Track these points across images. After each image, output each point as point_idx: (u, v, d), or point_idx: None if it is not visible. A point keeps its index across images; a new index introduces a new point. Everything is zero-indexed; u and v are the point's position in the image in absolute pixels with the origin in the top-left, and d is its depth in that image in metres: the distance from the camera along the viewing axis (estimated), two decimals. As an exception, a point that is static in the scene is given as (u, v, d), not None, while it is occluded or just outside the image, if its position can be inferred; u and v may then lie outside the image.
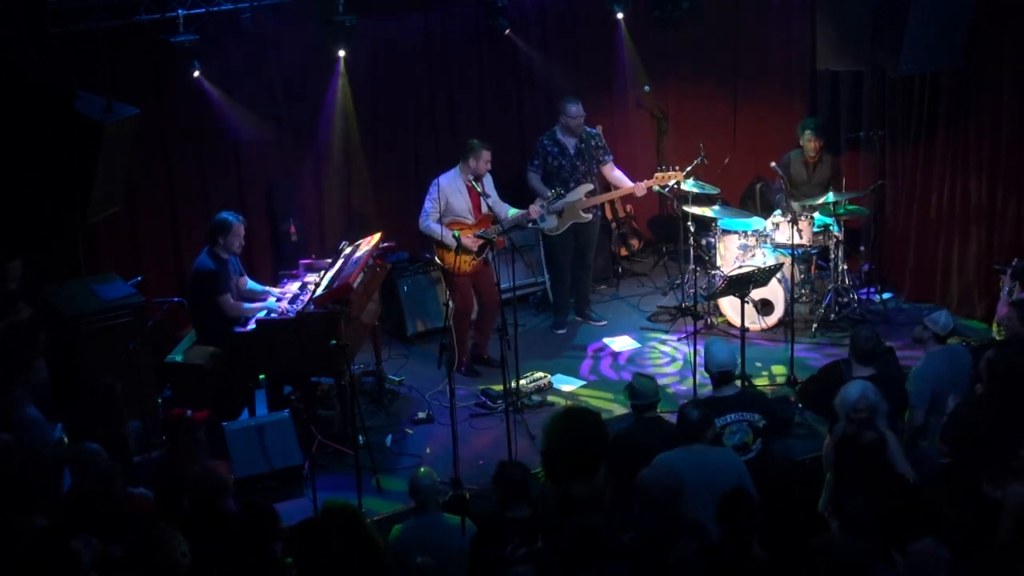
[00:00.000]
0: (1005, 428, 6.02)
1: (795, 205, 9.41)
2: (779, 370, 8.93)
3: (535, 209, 9.20)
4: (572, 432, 5.40)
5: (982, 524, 4.97)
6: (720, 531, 5.32)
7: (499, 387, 8.28)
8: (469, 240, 8.90)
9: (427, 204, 8.97)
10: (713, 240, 9.94)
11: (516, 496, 5.68)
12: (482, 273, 9.07)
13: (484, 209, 9.01)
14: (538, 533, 5.51)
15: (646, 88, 11.06)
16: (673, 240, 10.76)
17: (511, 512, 5.66)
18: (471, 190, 8.97)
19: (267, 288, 8.56)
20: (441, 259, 9.02)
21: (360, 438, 7.63)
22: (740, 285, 8.42)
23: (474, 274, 9.07)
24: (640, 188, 9.67)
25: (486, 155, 8.92)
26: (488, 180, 9.09)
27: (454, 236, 8.82)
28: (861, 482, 5.73)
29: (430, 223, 8.94)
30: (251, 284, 8.52)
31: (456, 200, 8.94)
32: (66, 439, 6.72)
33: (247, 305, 8.19)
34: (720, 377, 6.79)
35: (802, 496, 6.39)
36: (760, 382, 8.72)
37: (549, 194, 9.36)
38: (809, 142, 10.04)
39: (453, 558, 5.80)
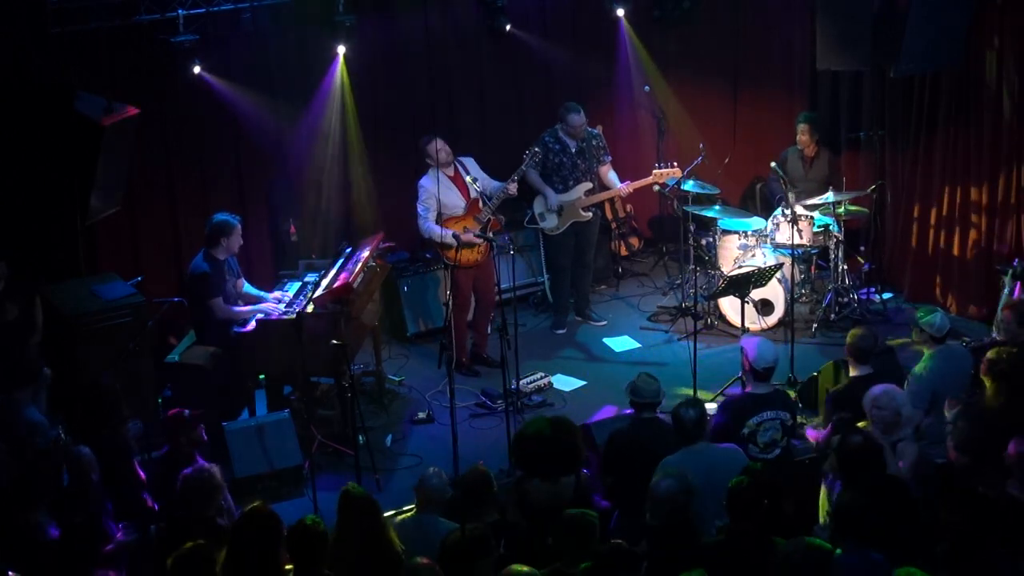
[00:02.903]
0: (1009, 428, 6.00)
1: (791, 197, 9.42)
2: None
3: (513, 187, 9.02)
4: (538, 432, 5.97)
5: (979, 525, 4.96)
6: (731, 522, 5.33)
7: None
8: (469, 236, 8.90)
9: (419, 208, 8.98)
10: (713, 240, 9.94)
11: (478, 503, 5.70)
12: (483, 270, 9.07)
13: (473, 193, 8.98)
14: (502, 538, 5.51)
15: (646, 88, 11.05)
16: (673, 240, 10.76)
17: (482, 517, 5.65)
18: (454, 178, 8.97)
19: (263, 294, 8.50)
20: (444, 253, 9.02)
21: (360, 438, 7.64)
22: (740, 285, 8.42)
23: (476, 269, 9.07)
24: (624, 190, 9.67)
25: (435, 144, 8.86)
26: (471, 163, 9.09)
27: (453, 236, 8.83)
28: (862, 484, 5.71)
29: (429, 225, 8.93)
30: (248, 288, 8.46)
31: (445, 195, 8.85)
32: (62, 437, 6.72)
33: (238, 308, 8.16)
34: (764, 374, 6.69)
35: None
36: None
37: (528, 154, 9.20)
38: (802, 135, 10.05)
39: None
